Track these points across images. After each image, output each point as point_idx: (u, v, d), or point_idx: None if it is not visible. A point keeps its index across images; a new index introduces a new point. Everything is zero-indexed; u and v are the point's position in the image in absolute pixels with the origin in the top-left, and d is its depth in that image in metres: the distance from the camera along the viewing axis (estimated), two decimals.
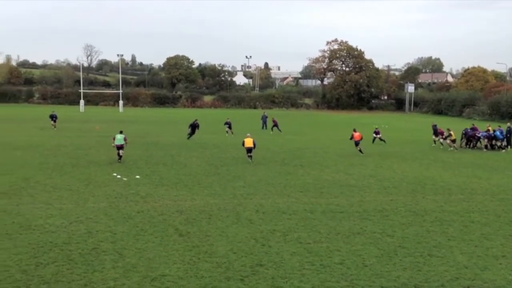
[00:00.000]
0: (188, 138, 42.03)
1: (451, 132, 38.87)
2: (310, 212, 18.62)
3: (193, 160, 30.87)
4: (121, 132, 30.01)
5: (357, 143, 34.99)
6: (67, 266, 12.72)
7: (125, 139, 29.48)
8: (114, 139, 29.68)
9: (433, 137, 42.02)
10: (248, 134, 31.84)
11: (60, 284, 11.59)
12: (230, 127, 47.47)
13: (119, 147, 29.24)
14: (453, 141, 38.61)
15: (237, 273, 12.54)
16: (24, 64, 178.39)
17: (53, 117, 50.61)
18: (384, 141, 41.86)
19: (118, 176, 24.70)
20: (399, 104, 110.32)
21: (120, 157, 29.30)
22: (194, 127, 42.85)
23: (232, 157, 32.27)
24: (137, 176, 24.85)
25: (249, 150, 30.26)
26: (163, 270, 12.61)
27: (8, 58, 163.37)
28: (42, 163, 28.36)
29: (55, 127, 49.59)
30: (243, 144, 30.63)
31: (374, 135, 42.21)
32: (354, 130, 35.81)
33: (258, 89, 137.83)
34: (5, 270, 12.32)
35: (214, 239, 15.22)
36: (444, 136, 39.61)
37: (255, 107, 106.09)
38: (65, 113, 71.93)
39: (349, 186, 23.65)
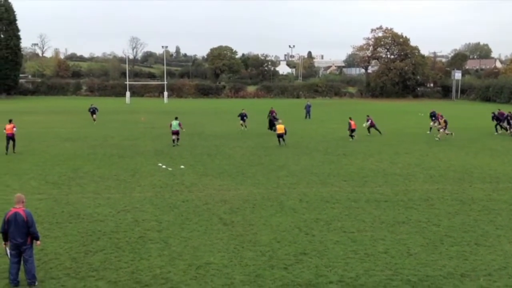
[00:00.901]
0: (271, 129, 39.93)
1: (445, 119, 37.06)
2: (354, 201, 18.49)
3: (237, 150, 31.08)
4: (176, 119, 33.13)
5: (353, 131, 35.98)
6: (115, 254, 13.07)
7: (180, 125, 32.53)
8: (170, 125, 32.80)
9: (431, 123, 40.48)
10: (280, 121, 34.59)
11: (108, 272, 11.93)
12: (243, 120, 42.83)
13: (175, 132, 32.40)
14: (444, 128, 36.57)
15: (281, 261, 12.60)
16: (72, 57, 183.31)
17: (92, 111, 48.52)
18: (369, 131, 38.71)
19: (163, 166, 25.12)
20: (445, 92, 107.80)
21: (174, 141, 32.44)
22: (271, 119, 40.65)
23: (275, 146, 32.31)
24: (182, 166, 25.20)
25: (280, 135, 32.60)
26: (208, 258, 12.80)
27: (57, 52, 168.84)
28: (90, 154, 29.12)
29: (95, 120, 47.54)
30: (275, 131, 33.08)
31: (367, 123, 39.12)
32: (350, 118, 36.83)
33: (301, 78, 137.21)
34: (56, 258, 12.76)
35: (258, 228, 15.32)
36: (439, 123, 37.37)
37: (298, 97, 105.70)
38: (112, 105, 73.63)
39: (394, 175, 23.34)
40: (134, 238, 14.27)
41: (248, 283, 11.37)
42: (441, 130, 36.70)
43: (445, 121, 36.99)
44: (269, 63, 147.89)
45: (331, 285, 11.29)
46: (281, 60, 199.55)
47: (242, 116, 42.98)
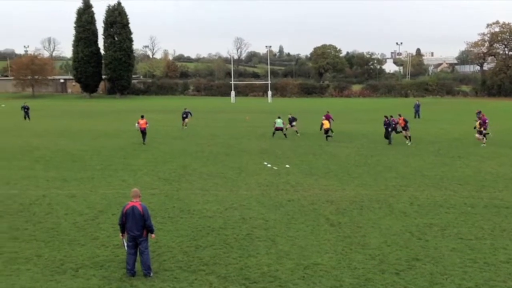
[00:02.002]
0: (389, 142, 33.30)
1: (480, 121, 32.36)
2: (471, 207, 17.37)
3: (342, 150, 30.53)
4: (279, 117, 36.69)
5: (326, 131, 35.17)
6: (224, 249, 13.25)
7: (283, 123, 36.35)
8: (274, 123, 36.49)
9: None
10: (323, 117, 36.82)
11: (218, 267, 12.09)
12: (292, 124, 37.99)
13: (279, 129, 36.19)
14: (480, 132, 32.05)
15: (392, 266, 12.08)
16: (180, 58, 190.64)
17: (185, 115, 42.70)
18: (396, 132, 33.66)
19: (269, 165, 25.23)
20: None
21: (273, 134, 36.40)
22: (389, 126, 34.31)
23: (382, 147, 31.35)
24: (287, 166, 25.16)
25: (326, 131, 34.91)
26: (316, 258, 12.58)
27: (166, 53, 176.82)
28: (198, 151, 29.96)
29: (186, 125, 42.19)
30: (322, 126, 35.52)
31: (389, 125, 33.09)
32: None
33: (409, 76, 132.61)
34: (168, 251, 13.18)
35: (367, 230, 14.85)
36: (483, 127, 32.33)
37: (406, 96, 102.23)
38: (218, 104, 75.53)
39: None
40: (242, 235, 14.39)
41: (358, 287, 11.02)
42: (477, 135, 32.41)
43: (480, 124, 32.56)
44: (375, 61, 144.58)
45: None
46: (388, 58, 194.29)
47: (291, 121, 38.24)
